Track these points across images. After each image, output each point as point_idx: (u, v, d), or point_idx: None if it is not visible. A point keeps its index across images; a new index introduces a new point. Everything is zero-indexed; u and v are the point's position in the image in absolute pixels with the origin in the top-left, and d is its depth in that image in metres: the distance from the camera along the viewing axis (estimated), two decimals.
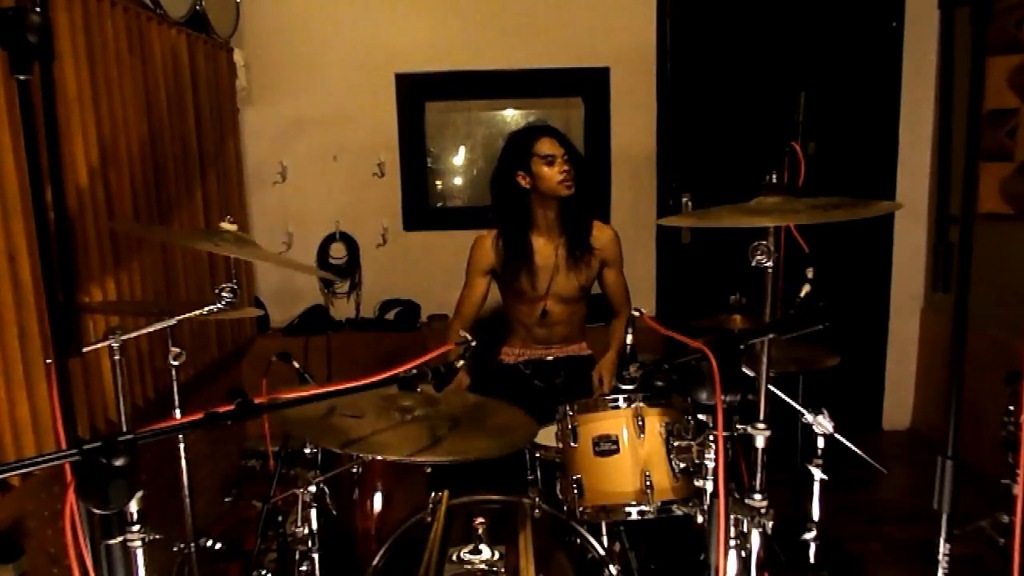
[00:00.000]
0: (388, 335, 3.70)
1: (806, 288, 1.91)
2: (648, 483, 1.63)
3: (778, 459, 1.65)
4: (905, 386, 4.05)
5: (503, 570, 1.57)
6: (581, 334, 2.80)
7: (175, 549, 1.96)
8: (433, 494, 1.83)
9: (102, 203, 2.32)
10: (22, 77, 0.92)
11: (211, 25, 3.17)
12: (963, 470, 1.12)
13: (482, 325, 3.27)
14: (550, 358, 2.73)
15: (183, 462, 1.90)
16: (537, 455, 2.02)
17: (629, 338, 1.49)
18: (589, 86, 3.82)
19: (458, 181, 4.01)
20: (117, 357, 1.65)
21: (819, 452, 1.87)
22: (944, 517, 1.14)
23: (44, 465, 0.94)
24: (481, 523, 1.66)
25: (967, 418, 1.12)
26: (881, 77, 3.80)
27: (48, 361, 1.89)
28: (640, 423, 1.68)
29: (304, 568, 1.77)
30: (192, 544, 1.97)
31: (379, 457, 1.69)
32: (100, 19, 2.34)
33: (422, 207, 3.92)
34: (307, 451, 1.94)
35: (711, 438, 1.48)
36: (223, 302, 1.58)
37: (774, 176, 1.67)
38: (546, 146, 2.56)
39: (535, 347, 2.74)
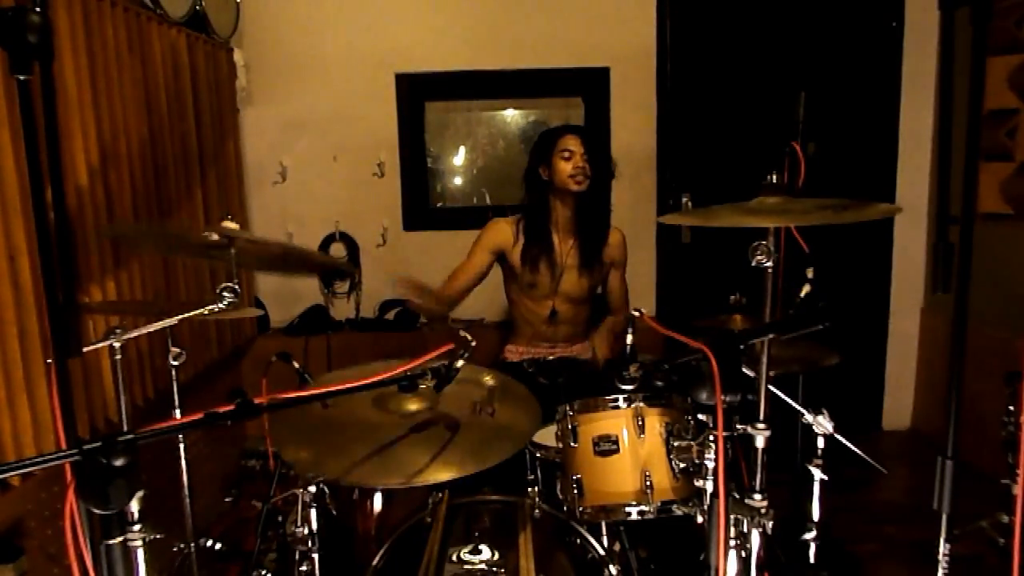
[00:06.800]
0: (388, 335, 3.70)
1: (806, 288, 1.92)
2: (648, 483, 1.63)
3: (778, 459, 1.65)
4: (905, 386, 4.05)
5: (503, 570, 1.56)
6: (585, 335, 2.81)
7: (175, 549, 1.96)
8: (433, 494, 1.83)
9: (102, 203, 2.32)
10: (22, 77, 0.92)
11: (211, 25, 3.17)
12: (963, 470, 1.12)
13: (494, 326, 3.28)
14: (552, 358, 2.73)
15: (183, 462, 1.90)
16: (537, 455, 2.02)
17: (629, 338, 1.49)
18: (589, 86, 3.82)
19: (458, 181, 4.01)
20: (117, 357, 1.65)
21: (819, 452, 1.87)
22: (944, 517, 1.14)
23: (44, 465, 0.94)
24: (481, 523, 1.66)
25: (967, 418, 1.12)
26: (881, 77, 3.80)
27: (48, 361, 1.89)
28: (640, 423, 1.68)
29: (304, 568, 1.77)
30: (192, 544, 1.98)
31: (383, 486, 1.68)
32: (100, 19, 2.34)
33: (422, 207, 3.92)
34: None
35: (711, 438, 1.48)
36: (223, 302, 1.57)
37: (774, 176, 1.67)
38: (568, 142, 2.61)
39: (539, 346, 2.75)
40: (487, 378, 1.82)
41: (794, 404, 1.85)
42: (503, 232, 2.68)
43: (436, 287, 2.68)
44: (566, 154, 2.59)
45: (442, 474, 1.48)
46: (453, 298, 2.70)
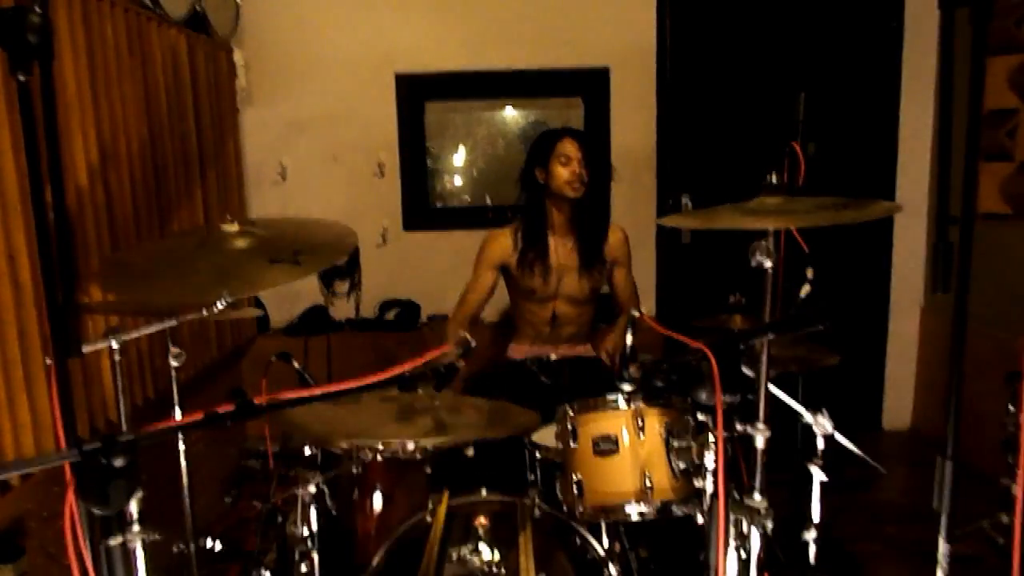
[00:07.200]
0: (388, 335, 3.70)
1: (806, 288, 1.91)
2: (648, 483, 1.63)
3: (778, 459, 1.65)
4: (905, 386, 4.05)
5: (503, 570, 1.57)
6: (588, 336, 2.81)
7: (175, 549, 1.96)
8: (433, 494, 1.83)
9: (102, 203, 2.32)
10: (22, 77, 0.92)
11: (211, 25, 3.17)
12: (963, 470, 1.12)
13: (492, 325, 3.28)
14: (556, 357, 2.73)
15: (183, 462, 1.90)
16: (537, 455, 2.01)
17: (629, 338, 1.49)
18: (589, 86, 3.82)
19: (458, 181, 4.01)
20: (117, 357, 1.65)
21: (819, 452, 1.87)
22: (944, 517, 1.14)
23: (44, 465, 0.94)
24: (481, 523, 1.66)
25: (967, 418, 1.12)
26: (881, 77, 3.80)
27: (48, 361, 1.89)
28: (640, 423, 1.68)
29: (304, 568, 1.77)
30: (192, 544, 1.97)
31: (382, 446, 1.70)
32: (100, 19, 2.34)
33: (422, 207, 3.92)
34: (307, 451, 1.94)
35: (711, 438, 1.48)
36: (223, 302, 1.57)
37: (774, 176, 1.67)
38: (566, 146, 2.59)
39: (542, 346, 2.76)
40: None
41: (794, 404, 1.85)
42: (502, 245, 2.68)
43: (455, 320, 2.74)
44: (563, 159, 2.58)
45: (443, 438, 1.48)
46: (470, 319, 2.74)
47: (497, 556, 1.60)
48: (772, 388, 1.61)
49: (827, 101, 3.39)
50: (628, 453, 1.68)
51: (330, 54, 3.75)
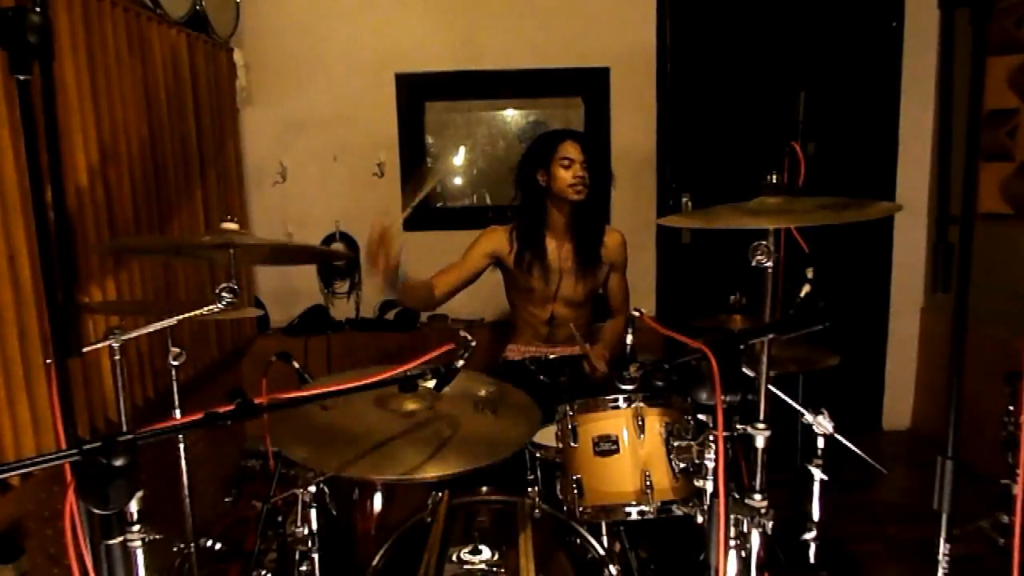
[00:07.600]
0: (388, 335, 3.70)
1: (806, 288, 1.91)
2: (648, 483, 1.63)
3: (778, 459, 1.65)
4: (905, 386, 4.05)
5: (503, 570, 1.56)
6: (586, 337, 2.81)
7: (175, 549, 1.96)
8: (433, 494, 1.83)
9: (102, 203, 2.32)
10: (22, 77, 0.92)
11: (211, 25, 3.17)
12: (963, 470, 1.12)
13: (491, 325, 3.27)
14: (554, 356, 2.74)
15: (183, 462, 1.90)
16: (537, 455, 2.02)
17: (629, 338, 1.49)
18: (589, 86, 3.82)
19: (458, 181, 4.01)
20: (117, 357, 1.65)
21: (819, 452, 1.87)
22: (944, 517, 1.14)
23: (44, 465, 0.94)
24: (481, 523, 1.66)
25: (967, 418, 1.12)
26: (881, 77, 3.80)
27: (48, 361, 1.89)
28: (640, 423, 1.68)
29: (304, 568, 1.77)
30: (192, 544, 1.98)
31: (382, 479, 1.68)
32: (100, 19, 2.34)
33: (422, 207, 3.91)
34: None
35: (711, 438, 1.48)
36: (223, 302, 1.57)
37: (774, 176, 1.67)
38: (568, 149, 2.58)
39: (540, 346, 2.76)
40: (484, 391, 1.80)
41: (794, 404, 1.85)
42: (497, 239, 2.68)
43: (426, 279, 2.60)
44: (565, 162, 2.56)
45: (441, 469, 1.47)
46: (443, 292, 2.62)
47: (497, 556, 1.60)
48: (772, 388, 1.61)
49: (827, 101, 3.38)
50: (628, 453, 1.68)
51: (330, 54, 3.75)
